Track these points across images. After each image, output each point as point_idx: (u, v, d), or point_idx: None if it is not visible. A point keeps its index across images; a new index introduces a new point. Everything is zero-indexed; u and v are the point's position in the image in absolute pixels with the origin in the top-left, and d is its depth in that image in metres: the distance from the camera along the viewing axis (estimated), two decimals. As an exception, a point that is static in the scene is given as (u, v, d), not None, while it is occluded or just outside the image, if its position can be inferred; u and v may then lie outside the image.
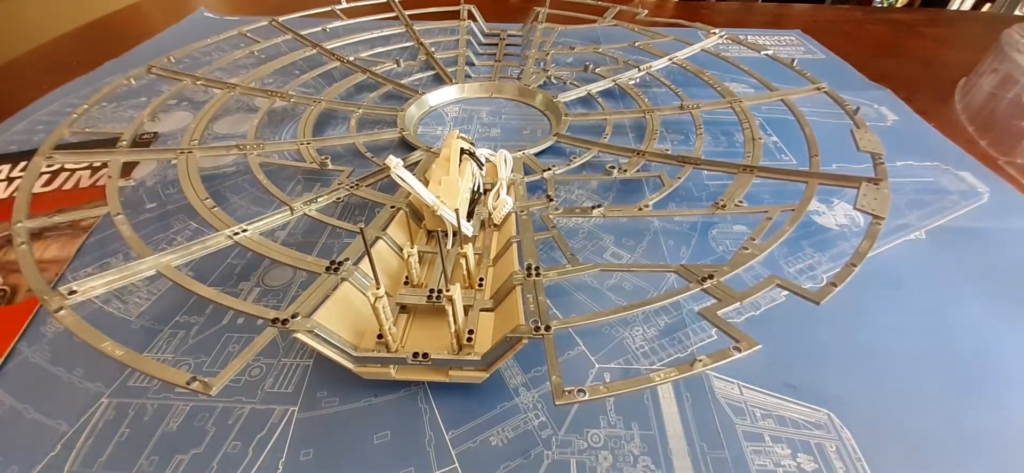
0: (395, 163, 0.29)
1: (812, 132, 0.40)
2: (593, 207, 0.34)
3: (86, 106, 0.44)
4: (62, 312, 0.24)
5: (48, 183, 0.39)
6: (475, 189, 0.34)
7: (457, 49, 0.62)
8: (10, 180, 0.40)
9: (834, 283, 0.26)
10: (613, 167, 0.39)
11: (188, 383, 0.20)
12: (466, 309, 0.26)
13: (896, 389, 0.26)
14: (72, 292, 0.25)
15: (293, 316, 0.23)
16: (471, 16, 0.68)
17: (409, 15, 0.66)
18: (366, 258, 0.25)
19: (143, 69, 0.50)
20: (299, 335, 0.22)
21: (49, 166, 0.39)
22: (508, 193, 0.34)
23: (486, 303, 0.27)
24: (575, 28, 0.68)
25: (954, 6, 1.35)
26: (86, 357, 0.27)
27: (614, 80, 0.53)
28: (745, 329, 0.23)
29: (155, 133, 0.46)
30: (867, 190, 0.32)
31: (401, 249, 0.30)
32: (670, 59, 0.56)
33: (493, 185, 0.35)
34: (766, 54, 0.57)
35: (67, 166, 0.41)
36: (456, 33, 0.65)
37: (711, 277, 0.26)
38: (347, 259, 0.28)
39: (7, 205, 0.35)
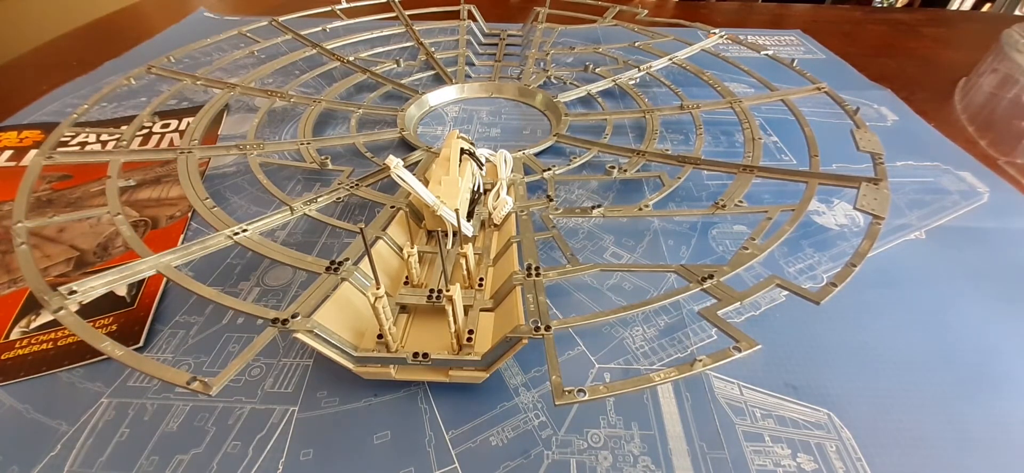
0: (395, 163, 0.29)
1: (812, 132, 0.40)
2: (593, 207, 0.34)
3: (86, 106, 0.44)
4: (62, 312, 0.24)
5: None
6: (475, 189, 0.34)
7: (457, 49, 0.62)
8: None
9: (834, 283, 0.25)
10: (613, 167, 0.39)
11: (188, 383, 0.20)
12: (466, 309, 0.26)
13: (896, 389, 0.26)
14: (72, 292, 0.25)
15: (293, 316, 0.23)
16: (471, 16, 0.68)
17: (409, 15, 0.66)
18: (366, 258, 0.25)
19: (143, 69, 0.50)
20: (299, 335, 0.22)
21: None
22: (508, 193, 0.34)
23: (486, 303, 0.27)
24: (575, 28, 0.68)
25: (954, 6, 1.35)
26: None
27: (614, 80, 0.53)
28: (745, 329, 0.23)
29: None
30: (867, 190, 0.32)
31: (401, 249, 0.30)
32: (670, 59, 0.56)
33: (493, 185, 0.35)
34: (766, 54, 0.57)
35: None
36: (456, 33, 0.65)
37: (711, 277, 0.26)
38: (347, 259, 0.28)
39: (98, 169, 0.39)
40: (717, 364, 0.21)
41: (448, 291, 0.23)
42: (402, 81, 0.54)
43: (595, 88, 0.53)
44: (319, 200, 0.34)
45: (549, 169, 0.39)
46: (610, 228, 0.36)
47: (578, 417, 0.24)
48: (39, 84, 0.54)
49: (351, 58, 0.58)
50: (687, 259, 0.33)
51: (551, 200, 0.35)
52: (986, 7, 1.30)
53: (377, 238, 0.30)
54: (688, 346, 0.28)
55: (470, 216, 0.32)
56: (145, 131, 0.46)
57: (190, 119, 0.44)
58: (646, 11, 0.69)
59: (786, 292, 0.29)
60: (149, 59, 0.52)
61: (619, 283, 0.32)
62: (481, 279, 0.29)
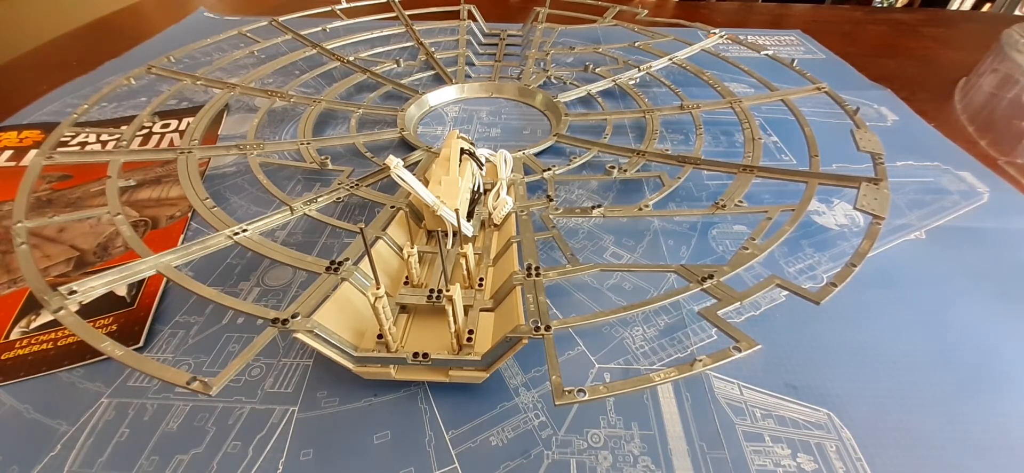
0: (395, 163, 0.29)
1: (812, 132, 0.40)
2: (593, 207, 0.34)
3: (86, 106, 0.44)
4: (62, 312, 0.24)
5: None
6: (475, 189, 0.34)
7: (457, 49, 0.62)
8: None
9: (834, 283, 0.25)
10: (613, 167, 0.39)
11: (188, 383, 0.20)
12: (466, 309, 0.26)
13: (896, 389, 0.26)
14: (72, 292, 0.25)
15: (293, 316, 0.23)
16: (471, 16, 0.68)
17: (409, 15, 0.66)
18: (366, 258, 0.25)
19: (143, 69, 0.50)
20: (299, 335, 0.22)
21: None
22: (508, 193, 0.34)
23: (486, 303, 0.27)
24: (575, 28, 0.68)
25: (954, 6, 1.35)
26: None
27: (614, 80, 0.53)
28: (745, 329, 0.23)
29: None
30: (867, 190, 0.32)
31: (401, 249, 0.30)
32: (670, 59, 0.56)
33: (493, 185, 0.35)
34: (766, 54, 0.57)
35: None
36: (456, 33, 0.65)
37: (711, 277, 0.26)
38: (347, 259, 0.28)
39: (98, 169, 0.39)
40: (717, 364, 0.21)
41: (448, 291, 0.23)
42: (402, 81, 0.54)
43: (595, 88, 0.53)
44: (319, 200, 0.34)
45: (549, 169, 0.39)
46: (610, 228, 0.36)
47: (578, 417, 0.24)
48: (39, 84, 0.54)
49: (351, 58, 0.58)
50: (687, 259, 0.33)
51: (551, 200, 0.35)
52: (986, 7, 1.30)
53: (377, 238, 0.30)
54: (688, 346, 0.28)
55: (470, 216, 0.32)
56: (145, 131, 0.46)
57: (190, 119, 0.44)
58: (646, 11, 0.69)
59: (786, 292, 0.29)
60: (149, 59, 0.52)
61: (619, 283, 0.32)
62: (481, 279, 0.29)
